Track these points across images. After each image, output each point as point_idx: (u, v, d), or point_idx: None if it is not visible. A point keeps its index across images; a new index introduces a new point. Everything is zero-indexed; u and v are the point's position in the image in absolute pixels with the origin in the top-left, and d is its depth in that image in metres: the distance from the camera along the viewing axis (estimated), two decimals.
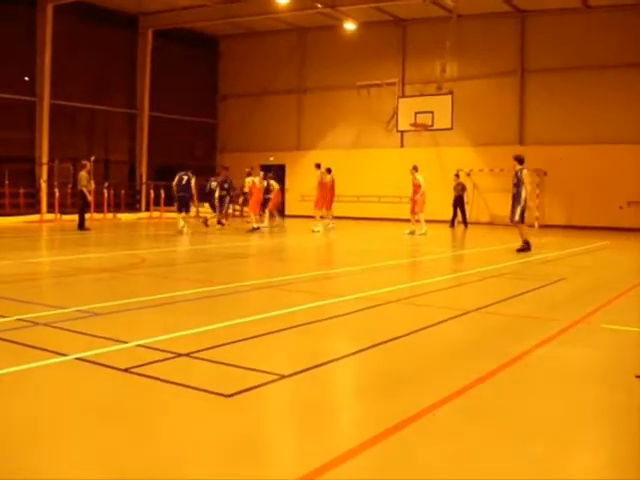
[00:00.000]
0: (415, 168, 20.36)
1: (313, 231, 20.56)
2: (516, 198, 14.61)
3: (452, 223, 23.96)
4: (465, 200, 24.38)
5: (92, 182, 19.92)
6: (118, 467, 3.37)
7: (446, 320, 7.24)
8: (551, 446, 3.75)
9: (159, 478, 3.29)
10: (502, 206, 25.62)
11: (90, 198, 19.71)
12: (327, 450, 3.66)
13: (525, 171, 14.60)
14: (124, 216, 26.23)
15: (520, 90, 25.94)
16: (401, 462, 3.51)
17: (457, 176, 24.63)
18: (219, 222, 21.87)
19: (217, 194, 21.54)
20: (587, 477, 3.49)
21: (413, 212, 20.38)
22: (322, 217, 21.62)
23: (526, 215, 14.72)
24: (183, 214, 19.42)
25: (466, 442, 3.82)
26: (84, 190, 19.18)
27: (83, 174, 19.28)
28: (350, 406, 4.64)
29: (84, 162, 19.76)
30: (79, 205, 19.71)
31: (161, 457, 3.52)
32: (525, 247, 14.71)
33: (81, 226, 19.38)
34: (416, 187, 20.21)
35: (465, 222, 24.11)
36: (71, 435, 3.83)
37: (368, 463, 3.51)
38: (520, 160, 14.85)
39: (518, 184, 14.60)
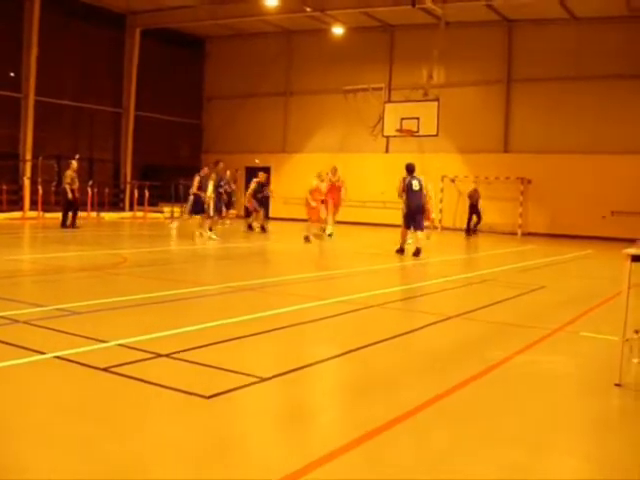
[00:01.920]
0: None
1: (330, 235, 20.43)
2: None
3: (470, 229, 24.00)
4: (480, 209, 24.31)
5: (76, 181, 19.78)
6: (93, 466, 3.34)
7: (427, 325, 7.26)
8: (529, 450, 3.77)
9: (136, 478, 3.27)
10: (487, 213, 25.82)
11: (70, 196, 19.48)
12: (308, 452, 3.66)
13: (410, 180, 15.01)
14: (107, 215, 26.07)
15: (506, 98, 26.10)
16: (383, 464, 3.52)
17: (474, 182, 24.81)
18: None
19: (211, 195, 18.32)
20: (562, 478, 3.53)
21: (428, 219, 20.07)
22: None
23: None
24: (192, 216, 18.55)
25: (447, 445, 3.85)
26: (67, 187, 19.09)
27: (69, 172, 19.21)
28: (332, 409, 4.64)
29: (70, 161, 19.67)
30: (63, 203, 19.60)
31: (139, 457, 3.50)
32: (399, 250, 15.01)
33: (64, 224, 19.28)
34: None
35: (468, 230, 24.01)
36: (46, 434, 3.79)
37: (350, 465, 3.51)
38: (409, 169, 15.20)
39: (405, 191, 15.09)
